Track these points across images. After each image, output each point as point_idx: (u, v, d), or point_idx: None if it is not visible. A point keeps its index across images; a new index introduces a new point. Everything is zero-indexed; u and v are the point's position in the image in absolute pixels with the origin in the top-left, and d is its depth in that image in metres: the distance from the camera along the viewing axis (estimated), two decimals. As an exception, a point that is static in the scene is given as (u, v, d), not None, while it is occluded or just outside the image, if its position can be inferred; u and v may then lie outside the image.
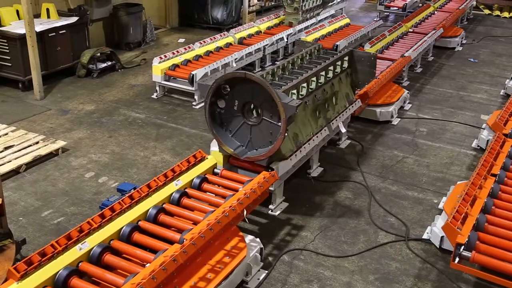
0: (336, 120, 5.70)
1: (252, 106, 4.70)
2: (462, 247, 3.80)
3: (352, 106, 6.11)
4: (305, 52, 5.88)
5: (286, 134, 4.41)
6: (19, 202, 5.03)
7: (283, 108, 4.30)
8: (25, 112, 7.08)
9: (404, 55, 8.28)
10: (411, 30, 9.99)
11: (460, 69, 9.51)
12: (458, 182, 5.28)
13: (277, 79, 5.26)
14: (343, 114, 5.85)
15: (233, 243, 4.04)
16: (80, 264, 3.46)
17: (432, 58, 10.01)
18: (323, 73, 5.41)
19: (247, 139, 4.75)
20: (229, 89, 4.61)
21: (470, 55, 10.37)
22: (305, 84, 5.12)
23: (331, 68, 5.62)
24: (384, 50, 8.63)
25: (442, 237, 4.46)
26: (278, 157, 4.67)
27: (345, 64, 5.89)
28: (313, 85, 5.27)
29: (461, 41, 10.99)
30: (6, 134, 6.18)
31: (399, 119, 7.21)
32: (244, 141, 4.77)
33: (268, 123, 4.59)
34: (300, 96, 4.98)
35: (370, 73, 6.00)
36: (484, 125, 6.69)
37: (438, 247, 4.54)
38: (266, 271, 4.19)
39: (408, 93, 7.76)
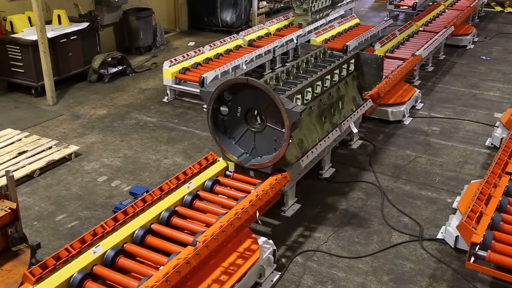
0: (348, 120, 5.66)
1: (255, 113, 4.57)
2: (478, 246, 3.76)
3: (364, 106, 6.08)
4: (310, 55, 5.78)
5: (290, 140, 4.29)
6: (34, 207, 5.08)
7: (286, 114, 4.17)
8: (38, 117, 7.15)
9: (415, 54, 8.23)
10: (421, 29, 9.92)
11: (472, 67, 9.42)
12: (472, 181, 5.22)
13: (281, 84, 5.15)
14: (354, 115, 5.82)
15: (246, 245, 4.03)
16: (94, 267, 3.47)
17: (444, 56, 9.94)
18: (328, 76, 5.30)
19: (251, 146, 4.62)
20: (231, 96, 4.50)
21: (482, 52, 10.27)
22: (310, 89, 4.98)
23: (337, 71, 5.50)
24: (395, 50, 8.58)
25: (456, 236, 4.42)
26: (283, 164, 4.55)
27: (351, 67, 5.78)
28: (318, 90, 5.14)
29: (473, 39, 10.89)
30: (20, 139, 6.24)
31: (411, 118, 7.16)
32: (248, 148, 4.65)
33: (272, 130, 4.46)
34: (305, 101, 4.88)
35: (377, 75, 5.88)
36: (497, 123, 6.62)
37: (452, 246, 4.50)
38: (280, 273, 4.18)
39: (419, 92, 7.71)
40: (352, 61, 5.77)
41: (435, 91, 8.23)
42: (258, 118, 4.60)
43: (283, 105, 4.17)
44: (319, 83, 5.15)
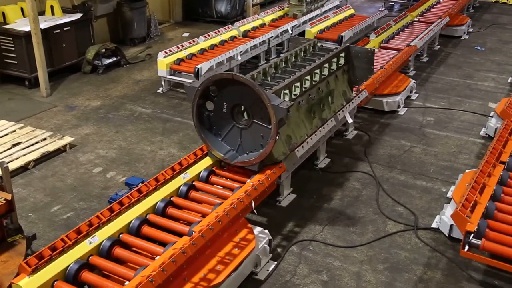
0: (342, 111, 5.66)
1: (242, 108, 4.45)
2: (472, 235, 3.79)
3: (359, 97, 6.08)
4: (299, 49, 5.59)
5: (277, 137, 4.19)
6: (29, 198, 5.07)
7: (273, 110, 4.06)
8: (32, 109, 7.11)
9: (410, 44, 8.23)
10: (416, 19, 9.92)
11: (467, 57, 9.43)
12: (467, 171, 5.25)
13: (269, 78, 4.98)
14: (349, 105, 5.81)
15: (242, 235, 4.04)
16: (90, 257, 3.48)
17: (439, 47, 9.94)
18: (317, 71, 5.14)
19: (238, 143, 4.51)
20: (217, 91, 4.40)
21: (476, 43, 10.28)
22: (298, 84, 4.82)
23: (327, 65, 5.32)
24: (390, 40, 8.58)
25: (451, 225, 4.45)
26: (271, 161, 4.44)
27: (342, 61, 5.61)
28: (307, 84, 4.98)
29: (468, 29, 10.90)
30: (14, 131, 6.21)
31: (406, 109, 7.18)
32: (234, 145, 4.54)
33: (258, 126, 4.34)
34: (293, 96, 4.75)
35: (368, 69, 5.74)
36: (492, 113, 6.64)
37: (447, 235, 4.53)
38: (275, 262, 4.20)
39: (414, 82, 7.72)
40: (342, 54, 5.61)
41: (430, 82, 8.25)
42: (244, 114, 4.48)
43: (270, 101, 4.06)
44: (308, 77, 4.98)
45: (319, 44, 5.95)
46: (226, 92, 4.38)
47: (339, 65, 5.59)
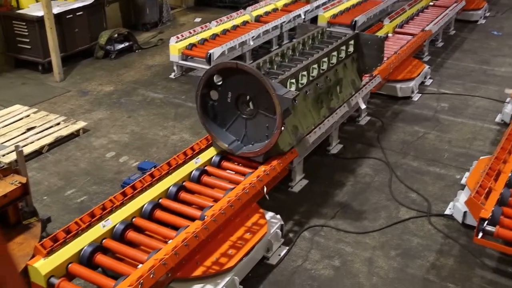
0: (356, 96, 5.61)
1: (247, 98, 4.32)
2: (486, 222, 3.76)
3: (372, 82, 6.02)
4: (307, 36, 5.41)
5: (283, 128, 4.08)
6: (43, 182, 5.12)
7: (278, 100, 3.95)
8: (46, 94, 7.15)
9: (425, 29, 8.11)
10: (432, 3, 9.75)
11: (483, 42, 9.28)
12: (481, 157, 5.19)
13: (275, 67, 4.83)
14: (362, 91, 5.76)
15: (253, 220, 4.06)
16: (104, 240, 3.51)
17: (454, 32, 9.78)
18: (325, 59, 4.99)
19: (243, 133, 4.40)
20: (221, 80, 4.27)
21: (493, 28, 10.10)
22: (305, 72, 4.68)
23: (335, 53, 5.15)
24: (404, 25, 8.46)
25: (465, 212, 4.41)
26: (276, 152, 4.33)
27: (351, 49, 5.44)
28: (314, 73, 4.82)
29: (484, 14, 10.69)
30: (28, 115, 6.26)
31: (420, 94, 7.10)
32: (239, 135, 4.42)
33: (263, 116, 4.23)
34: (299, 86, 4.61)
35: (377, 57, 5.57)
36: (508, 99, 6.54)
37: (460, 222, 4.49)
38: (287, 247, 4.21)
39: (429, 68, 7.62)
40: (352, 42, 5.43)
41: (445, 67, 8.14)
42: (249, 104, 4.36)
43: (275, 91, 3.95)
44: (316, 66, 4.83)
45: (331, 29, 5.85)
46: (231, 82, 4.27)
47: (348, 53, 5.42)
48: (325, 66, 5.00)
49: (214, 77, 4.27)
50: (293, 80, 4.54)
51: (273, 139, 4.15)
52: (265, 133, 4.28)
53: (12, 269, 0.78)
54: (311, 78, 4.80)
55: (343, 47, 5.32)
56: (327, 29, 5.76)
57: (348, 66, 5.46)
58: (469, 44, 9.21)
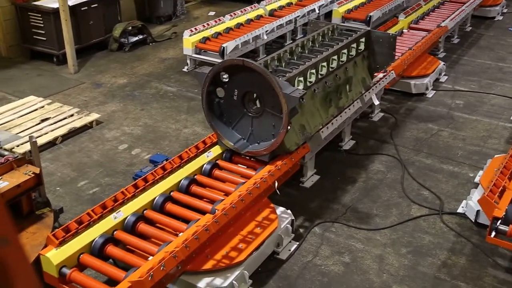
0: (369, 92, 5.57)
1: (253, 96, 4.25)
2: (499, 221, 3.71)
3: (386, 78, 5.97)
4: (317, 33, 5.30)
5: (289, 127, 4.00)
6: (56, 173, 5.17)
7: (284, 99, 3.87)
8: (60, 85, 7.21)
9: (441, 25, 8.01)
10: (448, -1, 9.63)
11: (500, 39, 9.15)
12: (496, 156, 5.13)
13: (283, 64, 4.71)
14: (376, 86, 5.71)
15: (264, 215, 4.06)
16: (115, 232, 3.53)
17: (470, 28, 9.66)
18: (335, 56, 4.89)
19: (249, 131, 4.33)
20: (228, 78, 4.20)
21: (511, 24, 9.95)
22: (314, 70, 4.56)
23: (345, 51, 5.06)
24: (420, 20, 8.36)
25: (477, 211, 4.37)
26: (282, 151, 4.25)
27: (362, 46, 5.35)
28: (323, 71, 4.73)
29: (502, 10, 10.54)
30: (43, 107, 6.31)
31: (434, 91, 7.02)
32: (245, 133, 4.35)
33: (270, 115, 4.15)
34: (308, 84, 4.51)
35: (389, 55, 5.46)
36: (524, 97, 6.45)
37: (473, 221, 4.45)
38: (297, 243, 4.20)
39: (444, 64, 7.54)
40: (363, 39, 5.33)
41: (460, 64, 8.04)
42: (256, 102, 4.28)
43: (281, 89, 3.87)
44: (325, 64, 4.73)
45: (345, 25, 5.78)
46: (237, 79, 4.19)
47: (359, 51, 5.32)
48: (334, 64, 4.90)
49: (221, 74, 4.22)
50: (301, 78, 4.43)
51: (279, 139, 4.08)
52: (271, 132, 4.21)
53: (23, 260, 0.78)
54: (319, 76, 4.70)
55: (354, 45, 5.22)
56: (341, 24, 5.68)
57: (358, 64, 5.36)
58: (486, 40, 9.09)
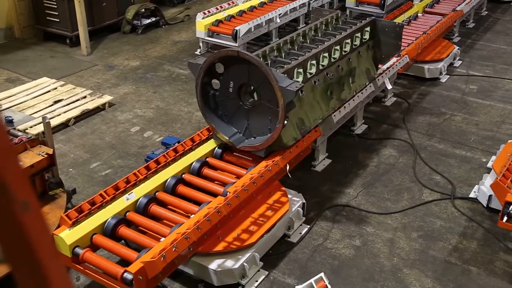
0: (382, 76, 5.51)
1: (250, 88, 4.08)
2: (511, 206, 3.69)
3: (399, 62, 5.91)
4: (320, 22, 5.08)
5: (286, 122, 3.83)
6: (69, 154, 5.22)
7: (280, 92, 3.69)
8: (73, 67, 7.24)
9: (456, 9, 7.88)
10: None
11: (516, 23, 9.00)
12: (509, 141, 5.07)
13: (283, 55, 4.50)
14: (389, 71, 5.65)
15: (276, 198, 4.07)
16: (127, 213, 3.57)
17: (486, 12, 9.50)
18: (337, 47, 4.65)
19: (244, 125, 4.16)
20: (223, 69, 4.00)
21: (528, 8, 9.78)
22: (314, 61, 4.33)
23: (348, 41, 4.81)
24: (435, 4, 8.24)
25: (490, 196, 4.34)
26: (279, 147, 4.07)
27: (366, 36, 5.11)
28: (325, 62, 4.48)
29: (519, -6, 10.34)
30: (56, 88, 6.35)
31: (448, 76, 6.94)
32: (241, 127, 4.18)
33: (266, 108, 3.96)
34: (308, 76, 4.28)
35: (395, 45, 5.27)
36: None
37: (485, 206, 4.43)
38: (308, 226, 4.22)
39: (458, 49, 7.44)
40: (368, 29, 5.11)
41: (475, 49, 7.93)
42: (252, 94, 4.11)
43: (277, 82, 3.69)
44: (326, 54, 4.47)
45: (359, 8, 5.70)
46: (233, 70, 3.99)
47: (363, 41, 5.09)
48: (337, 55, 4.65)
49: (216, 66, 4.06)
50: (301, 70, 4.20)
51: (275, 134, 3.91)
52: (268, 126, 4.04)
53: (43, 228, 0.80)
54: (321, 68, 4.46)
55: (358, 34, 4.98)
56: (354, 8, 5.57)
57: (362, 54, 5.14)
58: (502, 25, 8.94)
